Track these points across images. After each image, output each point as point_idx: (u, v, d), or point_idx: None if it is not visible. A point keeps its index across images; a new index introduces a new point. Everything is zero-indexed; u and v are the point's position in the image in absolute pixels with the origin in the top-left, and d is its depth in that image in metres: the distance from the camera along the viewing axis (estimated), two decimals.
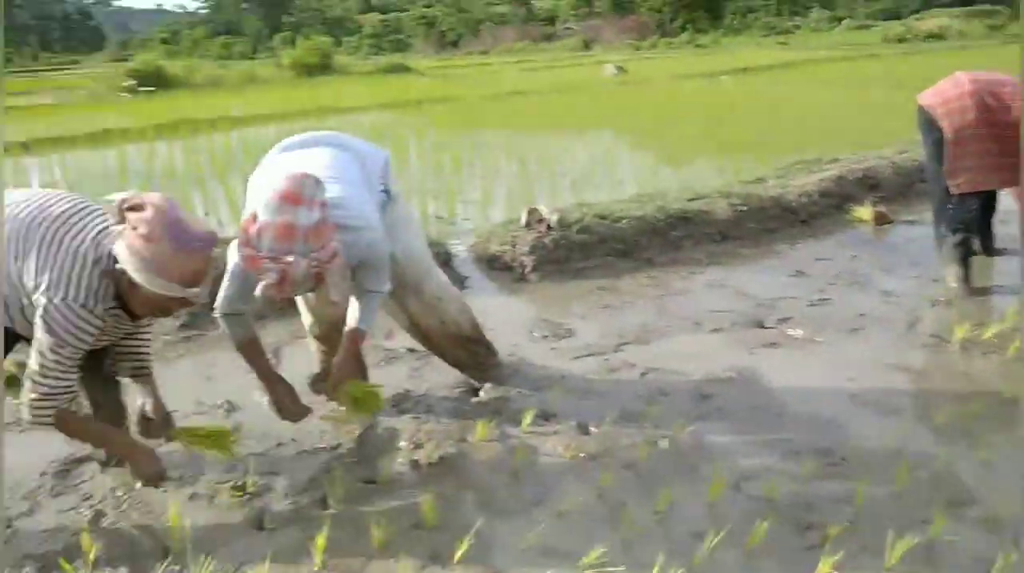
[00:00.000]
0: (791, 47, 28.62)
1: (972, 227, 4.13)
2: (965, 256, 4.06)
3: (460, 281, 4.33)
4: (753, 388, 3.10)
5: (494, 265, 4.65)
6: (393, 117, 10.92)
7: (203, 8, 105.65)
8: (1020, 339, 3.30)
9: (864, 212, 5.33)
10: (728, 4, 53.71)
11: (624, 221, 4.80)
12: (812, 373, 3.23)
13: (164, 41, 70.24)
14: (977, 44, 25.05)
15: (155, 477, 2.25)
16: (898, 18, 43.20)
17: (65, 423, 2.16)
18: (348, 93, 14.94)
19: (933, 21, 34.88)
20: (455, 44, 60.73)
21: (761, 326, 3.74)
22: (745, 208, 5.16)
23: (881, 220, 5.29)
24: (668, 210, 5.00)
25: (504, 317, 3.87)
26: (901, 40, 28.13)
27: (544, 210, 4.75)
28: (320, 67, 23.09)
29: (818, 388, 3.09)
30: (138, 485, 2.33)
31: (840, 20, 58.73)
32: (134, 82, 18.85)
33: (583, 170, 7.05)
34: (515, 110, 11.66)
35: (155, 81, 19.40)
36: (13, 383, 2.59)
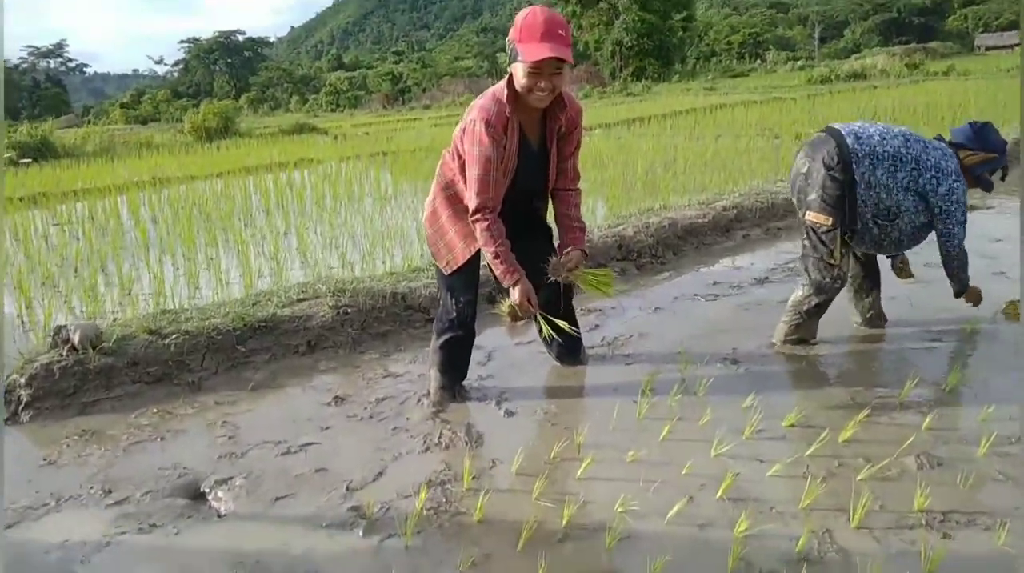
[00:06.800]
0: (716, 91, 28.27)
1: (466, 324, 3.56)
2: (445, 363, 3.57)
3: None
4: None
5: (7, 398, 3.83)
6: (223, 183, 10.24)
7: (172, 71, 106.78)
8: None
9: (504, 306, 4.52)
10: (677, 52, 53.73)
11: (172, 336, 4.01)
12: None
13: (123, 105, 69.97)
14: (886, 83, 24.69)
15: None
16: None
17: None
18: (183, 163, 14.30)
19: (866, 60, 34.81)
20: (403, 99, 60.86)
21: (193, 491, 2.92)
22: (350, 310, 4.37)
23: (516, 317, 4.48)
24: (246, 318, 4.20)
25: None
26: (823, 81, 27.66)
27: (71, 326, 3.95)
28: (222, 131, 22.56)
29: None
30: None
31: (797, 60, 59.23)
32: (13, 154, 18.30)
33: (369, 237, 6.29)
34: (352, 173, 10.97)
35: (40, 153, 18.88)
36: None
